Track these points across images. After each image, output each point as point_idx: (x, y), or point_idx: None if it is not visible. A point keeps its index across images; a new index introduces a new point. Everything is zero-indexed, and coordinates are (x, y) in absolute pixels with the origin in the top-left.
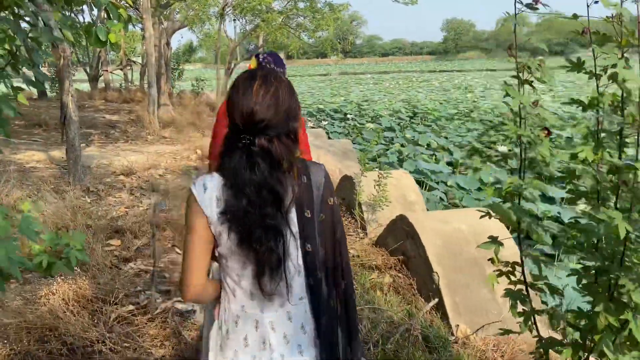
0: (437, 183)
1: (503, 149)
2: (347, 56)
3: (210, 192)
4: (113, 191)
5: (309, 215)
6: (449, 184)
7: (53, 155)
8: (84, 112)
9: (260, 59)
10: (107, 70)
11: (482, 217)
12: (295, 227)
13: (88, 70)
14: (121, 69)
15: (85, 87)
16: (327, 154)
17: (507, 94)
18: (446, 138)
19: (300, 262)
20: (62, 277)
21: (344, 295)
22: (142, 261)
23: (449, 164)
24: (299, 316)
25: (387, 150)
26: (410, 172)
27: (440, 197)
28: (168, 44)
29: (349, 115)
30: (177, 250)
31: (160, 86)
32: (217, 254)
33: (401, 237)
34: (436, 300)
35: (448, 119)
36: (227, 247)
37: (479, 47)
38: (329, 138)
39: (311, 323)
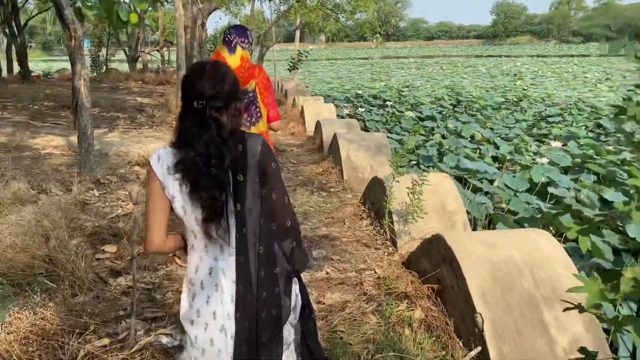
0: (481, 181)
1: (557, 144)
2: (390, 39)
3: (162, 161)
4: (125, 184)
5: (241, 179)
6: (495, 184)
7: (72, 141)
8: (116, 95)
9: (225, 33)
10: (144, 52)
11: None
12: (230, 188)
13: (127, 51)
14: (158, 50)
15: (125, 67)
16: (358, 150)
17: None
18: (492, 129)
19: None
20: (22, 307)
21: (287, 253)
22: (136, 274)
23: (494, 158)
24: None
25: (427, 142)
26: (451, 167)
27: (483, 203)
28: (203, 25)
29: (388, 102)
30: (178, 261)
31: None
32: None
33: (437, 261)
34: (478, 349)
35: (495, 108)
36: (181, 206)
37: (530, 31)
38: (365, 129)
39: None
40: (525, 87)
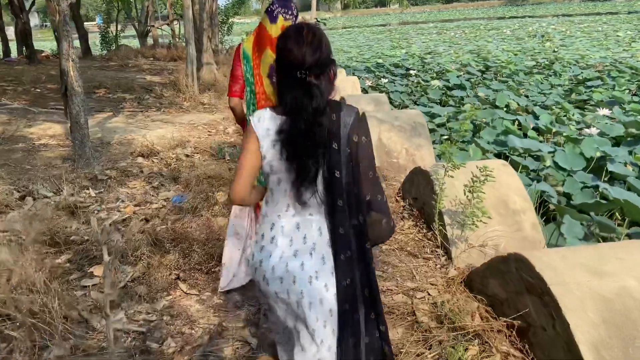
0: (525, 157)
1: (604, 111)
2: (404, 5)
3: (263, 121)
4: (127, 179)
5: (336, 147)
6: (546, 163)
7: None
8: (125, 73)
9: (269, 4)
10: (154, 26)
11: None
12: (323, 156)
13: (137, 25)
14: (168, 24)
15: (136, 43)
16: (391, 130)
17: None
18: (527, 97)
19: (321, 187)
20: None
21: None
22: (126, 310)
23: (535, 129)
24: (304, 229)
25: (458, 114)
26: (489, 142)
27: (544, 192)
28: None
29: (411, 71)
30: (182, 286)
31: (202, 43)
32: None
33: (517, 289)
34: None
35: (526, 73)
36: (270, 165)
37: None
38: (390, 101)
39: (327, 232)
40: (556, 49)
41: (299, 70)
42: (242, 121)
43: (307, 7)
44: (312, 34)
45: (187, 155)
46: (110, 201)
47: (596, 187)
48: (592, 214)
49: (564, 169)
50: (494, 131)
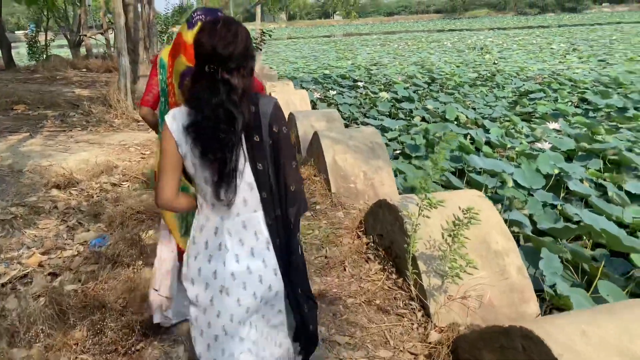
0: (479, 173)
1: (554, 125)
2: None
3: (177, 120)
4: (37, 218)
5: (258, 140)
6: (509, 184)
7: None
8: (51, 87)
9: (193, 17)
10: (86, 35)
11: None
12: (245, 148)
13: (68, 35)
14: (102, 34)
15: (69, 53)
16: (347, 152)
17: None
18: (474, 109)
19: (252, 179)
20: None
21: (286, 220)
22: None
23: (487, 143)
24: (253, 225)
25: (409, 127)
26: (445, 159)
27: (518, 222)
28: (150, 2)
29: (359, 83)
30: None
31: (138, 54)
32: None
33: None
34: None
35: (471, 86)
36: (192, 164)
37: (487, 4)
38: (342, 117)
39: (264, 232)
40: (496, 62)
41: (208, 64)
42: (156, 129)
43: (251, 18)
44: (226, 27)
45: (113, 185)
46: (11, 249)
47: (554, 206)
48: (562, 240)
49: (524, 187)
50: (448, 146)
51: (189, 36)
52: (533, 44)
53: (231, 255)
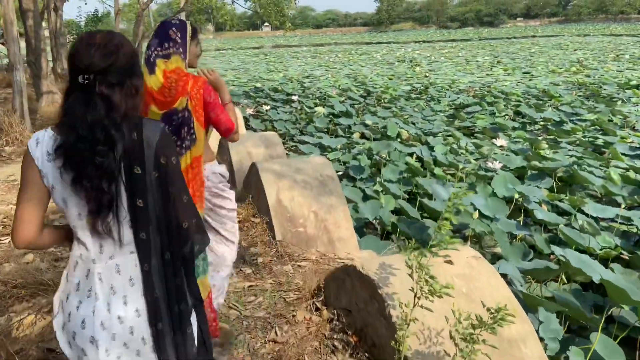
0: (431, 197)
1: (501, 142)
2: (280, 28)
3: (42, 145)
4: None
5: (139, 172)
6: (474, 216)
7: None
8: None
9: (149, 54)
10: None
11: None
12: (123, 181)
13: None
14: (3, 44)
15: None
16: (293, 188)
17: None
18: (414, 124)
19: (129, 217)
20: None
21: (182, 260)
22: None
23: (433, 162)
24: (128, 269)
25: (350, 145)
26: (391, 181)
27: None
28: (56, 9)
29: (293, 97)
30: None
31: (41, 67)
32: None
33: None
34: None
35: (407, 99)
36: (62, 197)
37: (411, 17)
38: (273, 129)
39: (140, 277)
40: (427, 74)
41: (82, 75)
42: None
43: None
44: (107, 38)
45: None
46: None
47: (514, 236)
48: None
49: (486, 216)
50: (396, 168)
51: (153, 82)
52: (459, 57)
53: (102, 304)
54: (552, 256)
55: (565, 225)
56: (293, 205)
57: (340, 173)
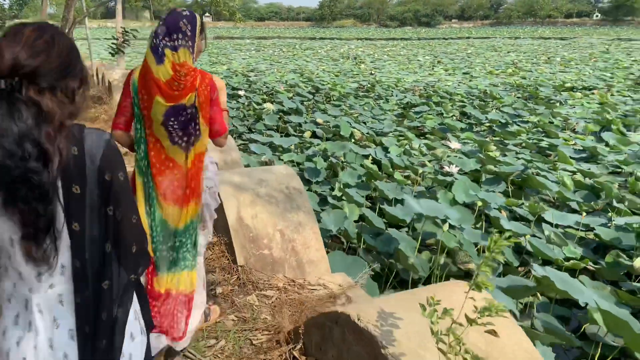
0: (391, 203)
1: (455, 144)
2: (221, 19)
3: None
4: None
5: (78, 192)
6: (445, 228)
7: None
8: None
9: (153, 44)
10: None
11: None
12: (60, 201)
13: None
14: None
15: None
16: (255, 203)
17: None
18: (365, 123)
19: (69, 241)
20: None
21: (120, 289)
22: None
23: (377, 163)
24: (70, 301)
25: (302, 145)
26: (350, 185)
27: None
28: None
29: (239, 91)
30: None
31: None
32: None
33: None
34: None
35: (356, 97)
36: None
37: (353, 15)
38: (240, 146)
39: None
40: (372, 72)
41: (6, 78)
42: (132, 147)
43: (111, 15)
44: (37, 33)
45: None
46: None
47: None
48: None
49: (452, 226)
50: (354, 172)
51: (161, 73)
52: (401, 55)
53: (43, 339)
54: (520, 268)
55: (532, 235)
56: (256, 224)
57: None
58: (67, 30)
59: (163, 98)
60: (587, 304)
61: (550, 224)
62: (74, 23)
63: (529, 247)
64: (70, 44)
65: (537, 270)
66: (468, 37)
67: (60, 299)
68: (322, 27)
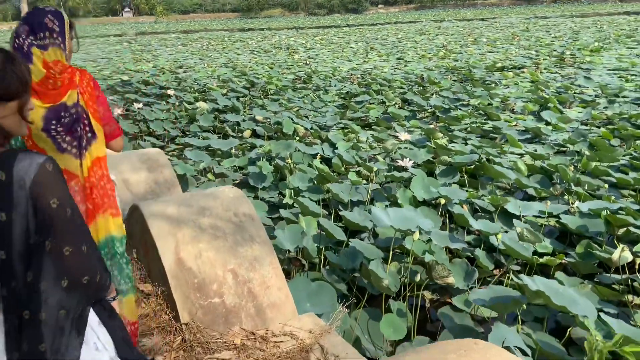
0: (346, 206)
1: (405, 135)
2: (142, 14)
3: None
4: None
5: (4, 219)
6: (415, 237)
7: None
8: None
9: (16, 44)
10: None
11: None
12: None
13: None
14: None
15: None
16: (199, 239)
17: None
18: (307, 117)
19: None
20: None
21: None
22: None
23: (326, 160)
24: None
25: (244, 147)
26: (300, 190)
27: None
28: None
29: (169, 91)
30: None
31: None
32: None
33: None
34: None
35: (294, 89)
36: None
37: (280, 4)
38: (150, 133)
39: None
40: (307, 62)
41: None
42: None
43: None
44: None
45: None
46: None
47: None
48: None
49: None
50: (304, 175)
51: (32, 73)
52: (334, 43)
53: None
54: (495, 271)
55: (505, 232)
56: (201, 265)
57: (237, 182)
58: None
59: (39, 99)
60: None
61: (517, 217)
62: None
63: (501, 246)
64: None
65: (527, 281)
66: (395, 22)
67: None
68: (250, 18)
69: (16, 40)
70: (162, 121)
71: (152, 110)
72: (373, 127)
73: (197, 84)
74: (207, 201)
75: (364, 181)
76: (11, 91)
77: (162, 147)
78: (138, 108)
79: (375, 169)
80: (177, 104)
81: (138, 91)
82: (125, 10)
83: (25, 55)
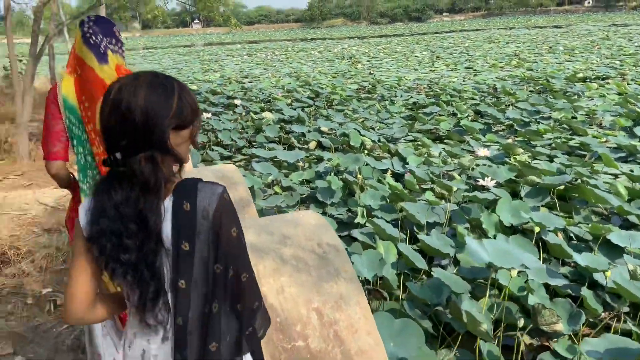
0: (422, 227)
1: (484, 151)
2: (211, 25)
3: (89, 213)
4: None
5: (187, 249)
6: (512, 273)
7: None
8: None
9: (85, 30)
10: None
11: None
12: (168, 259)
13: None
14: None
15: None
16: (281, 272)
17: None
18: (373, 129)
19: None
20: None
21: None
22: None
23: (396, 176)
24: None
25: (310, 159)
26: (372, 209)
27: None
28: None
29: (236, 100)
30: None
31: None
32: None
33: None
34: None
35: (358, 100)
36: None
37: (342, 13)
38: (218, 143)
39: None
40: (371, 71)
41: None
42: (70, 186)
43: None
44: (117, 93)
45: None
46: None
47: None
48: None
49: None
50: (376, 193)
51: (106, 73)
52: (397, 52)
53: None
54: (604, 314)
55: (613, 267)
56: (284, 302)
57: (304, 196)
58: (38, 48)
59: None
60: None
61: (622, 249)
62: (46, 42)
63: (609, 284)
64: (152, 89)
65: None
66: (462, 30)
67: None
68: (312, 28)
69: (92, 37)
70: (229, 131)
71: (220, 120)
72: (444, 140)
73: (262, 93)
74: (288, 229)
75: (442, 201)
76: (186, 120)
77: (229, 157)
78: (207, 118)
79: (455, 188)
80: (243, 113)
81: (206, 100)
82: (195, 22)
83: (102, 55)
